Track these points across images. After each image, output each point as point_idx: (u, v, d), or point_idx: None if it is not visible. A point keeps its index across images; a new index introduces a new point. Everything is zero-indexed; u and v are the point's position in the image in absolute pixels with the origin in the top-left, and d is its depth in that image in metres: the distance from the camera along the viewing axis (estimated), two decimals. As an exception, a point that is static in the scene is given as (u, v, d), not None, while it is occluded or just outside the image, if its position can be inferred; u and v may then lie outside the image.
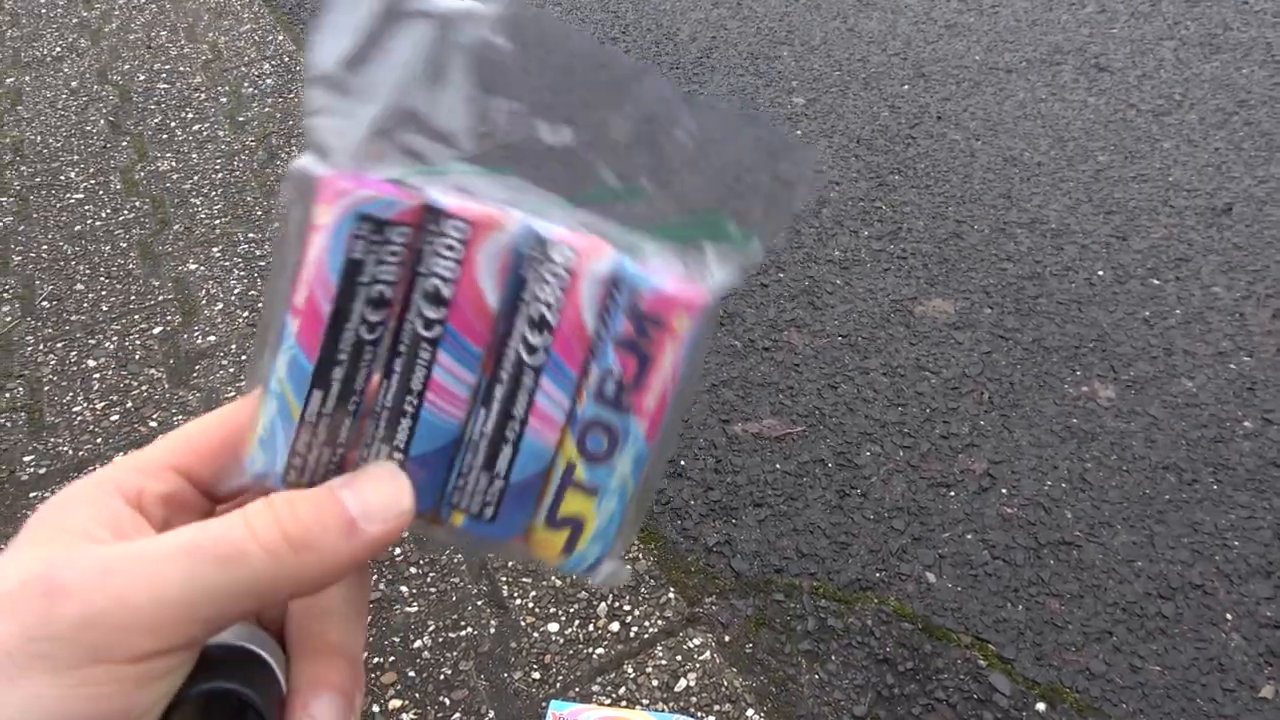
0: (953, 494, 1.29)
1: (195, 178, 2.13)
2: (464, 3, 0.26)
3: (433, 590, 1.23)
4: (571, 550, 0.28)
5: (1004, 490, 1.29)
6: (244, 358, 1.64)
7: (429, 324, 0.27)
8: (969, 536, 1.23)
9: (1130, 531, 1.22)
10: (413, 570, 1.26)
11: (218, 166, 2.17)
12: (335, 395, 0.26)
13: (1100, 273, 1.64)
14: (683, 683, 1.11)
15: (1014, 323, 1.56)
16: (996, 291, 1.62)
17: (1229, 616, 1.12)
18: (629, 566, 1.24)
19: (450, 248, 0.27)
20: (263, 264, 1.86)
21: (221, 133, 2.29)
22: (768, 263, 1.73)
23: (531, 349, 0.27)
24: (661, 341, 0.27)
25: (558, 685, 1.11)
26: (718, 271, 0.28)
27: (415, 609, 1.21)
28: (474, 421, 0.27)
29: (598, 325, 0.27)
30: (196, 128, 2.29)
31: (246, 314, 1.74)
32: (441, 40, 0.26)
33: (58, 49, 2.61)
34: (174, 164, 2.18)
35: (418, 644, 1.17)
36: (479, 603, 1.22)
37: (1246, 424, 1.35)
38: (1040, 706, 1.05)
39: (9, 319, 1.76)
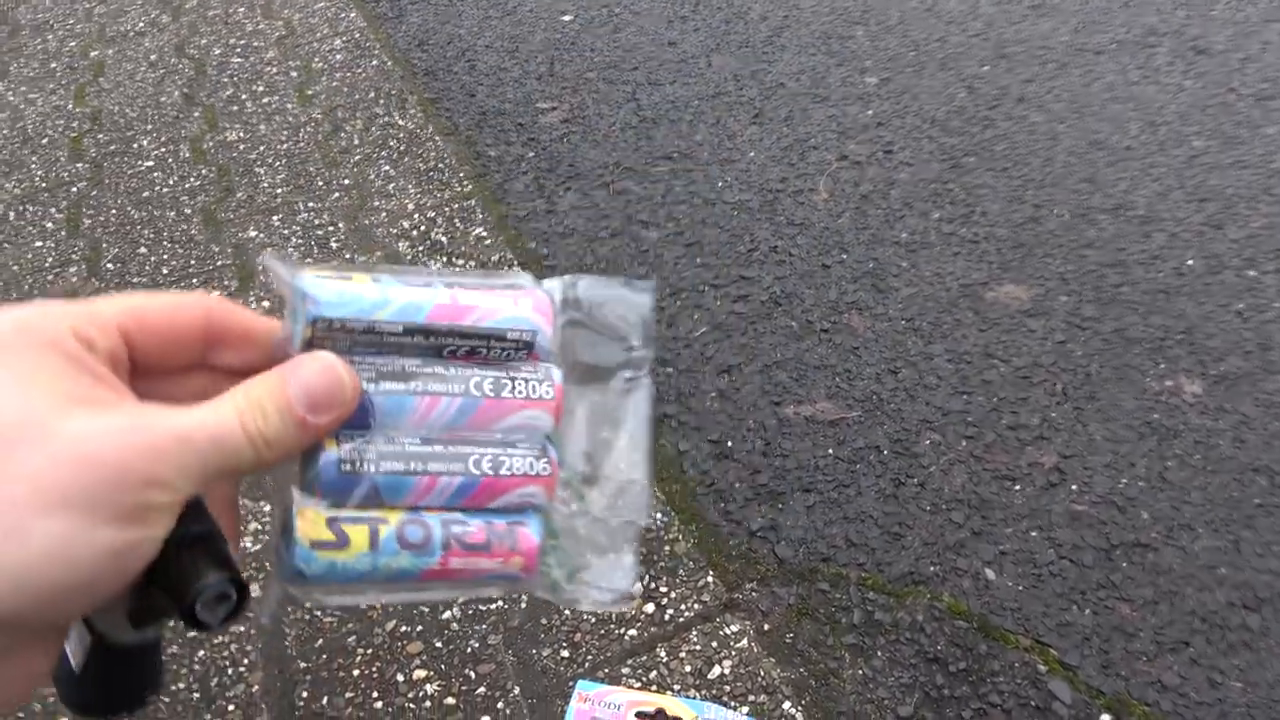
0: (1018, 488, 1.21)
1: (261, 148, 2.15)
2: None
3: (466, 561, 1.20)
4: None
5: (1074, 486, 1.20)
6: (295, 324, 1.63)
7: None
8: (1034, 534, 1.15)
9: (1213, 536, 1.12)
10: (447, 540, 1.23)
11: (284, 138, 2.18)
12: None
13: (1190, 262, 1.53)
14: (717, 670, 1.05)
15: (1093, 311, 1.45)
16: (1075, 279, 1.52)
17: (1324, 633, 1.02)
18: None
19: None
20: (320, 233, 1.86)
21: (290, 105, 2.31)
22: (830, 243, 1.66)
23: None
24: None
25: (586, 665, 1.07)
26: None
27: (447, 579, 1.18)
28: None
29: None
30: (266, 100, 2.31)
31: (301, 281, 1.74)
32: None
33: (140, 24, 2.67)
34: (242, 134, 2.20)
35: (446, 615, 1.14)
36: (512, 576, 1.18)
37: (1351, 427, 1.23)
38: (1105, 719, 0.97)
39: (75, 279, 1.79)
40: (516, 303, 0.33)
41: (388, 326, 0.31)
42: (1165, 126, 1.84)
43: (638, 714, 1.02)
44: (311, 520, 0.30)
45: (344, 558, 0.30)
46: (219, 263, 1.81)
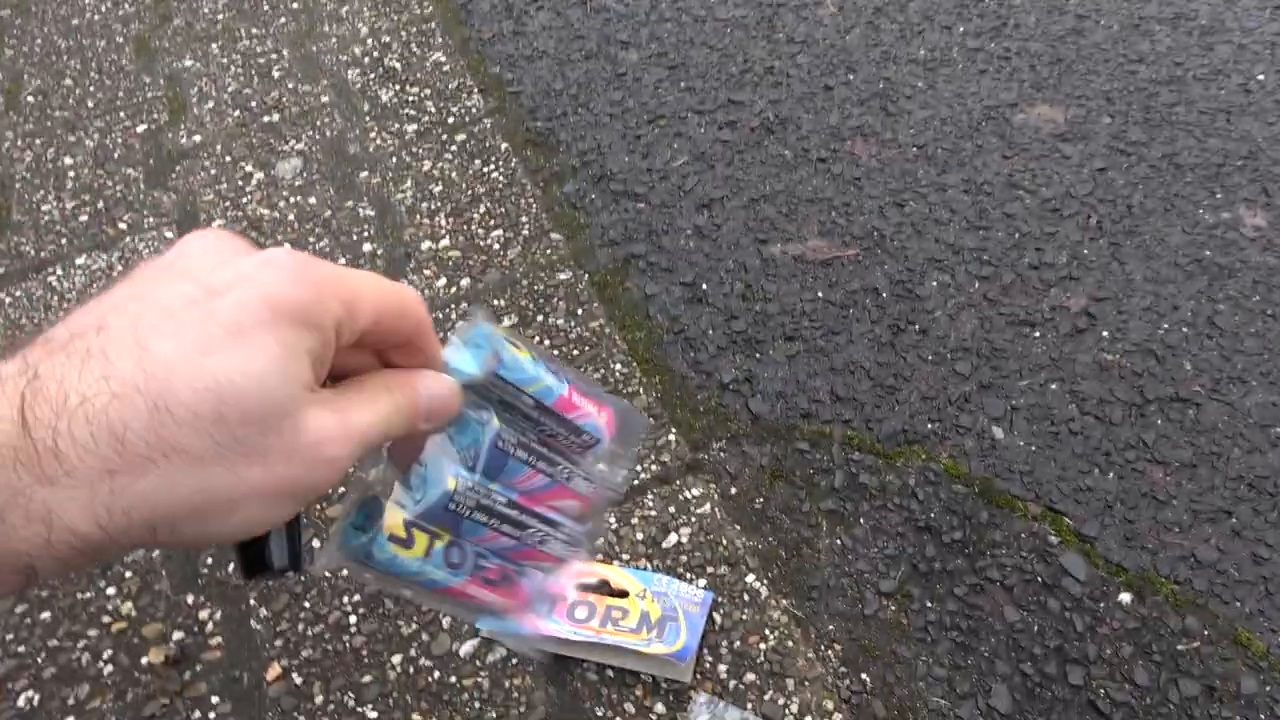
0: (1038, 334, 1.03)
1: (203, -30, 1.91)
2: None
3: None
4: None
5: (1105, 333, 1.02)
6: (228, 159, 1.45)
7: None
8: (1054, 386, 0.98)
9: (1269, 390, 0.94)
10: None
11: (228, -42, 1.94)
12: None
13: (1260, 77, 1.29)
14: (673, 538, 0.91)
15: (1140, 135, 1.23)
16: (1121, 98, 1.29)
17: (1398, 501, 0.85)
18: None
19: None
20: (261, 61, 1.65)
21: (237, -77, 2.06)
22: (835, 62, 1.43)
23: None
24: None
25: (524, 532, 0.93)
26: None
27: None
28: None
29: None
30: (210, -84, 2.06)
31: (237, 113, 1.54)
32: None
33: None
34: (182, -45, 1.96)
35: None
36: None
37: None
38: (1124, 598, 0.81)
39: (-10, 113, 1.61)
40: (599, 413, 0.42)
41: (528, 400, 0.38)
42: (1240, -76, 1.56)
43: (581, 585, 0.88)
44: (396, 519, 0.35)
45: (405, 555, 0.35)
46: (149, 94, 1.61)
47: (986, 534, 0.87)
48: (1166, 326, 1.01)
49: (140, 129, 1.54)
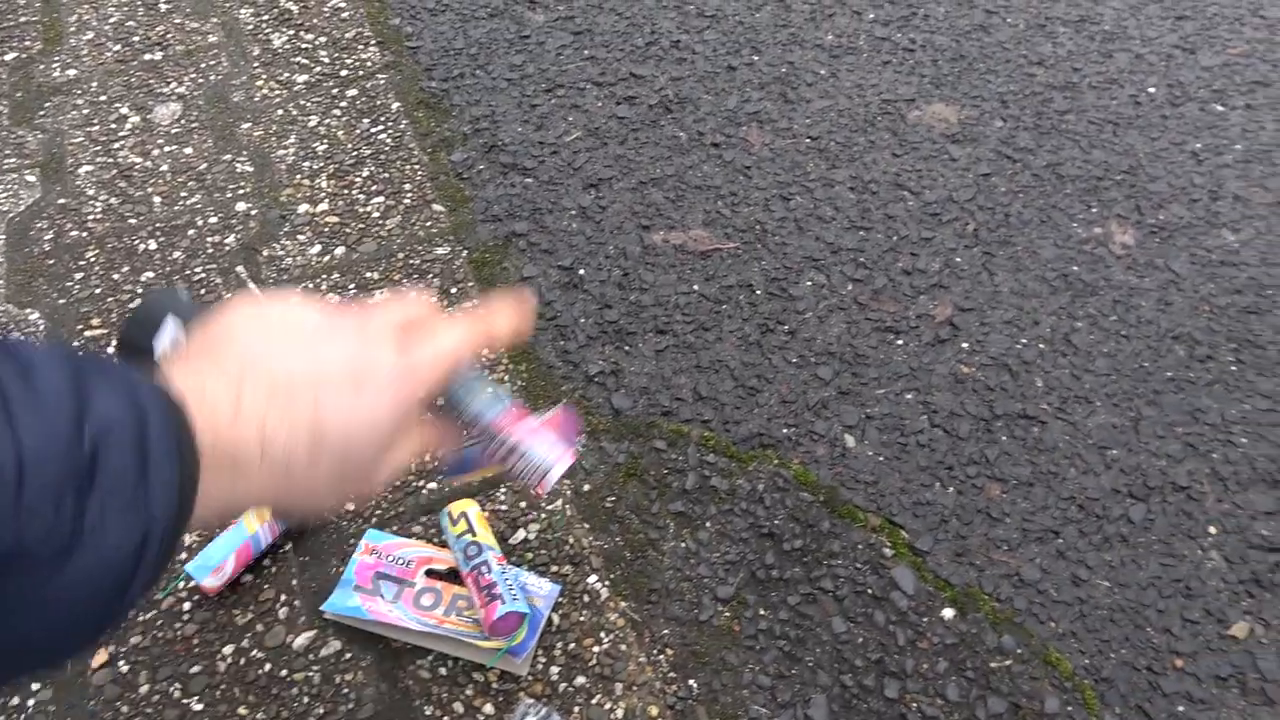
0: (900, 342, 1.04)
1: (94, -117, 1.79)
2: None
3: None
4: None
5: (965, 345, 1.03)
6: (103, 98, 1.37)
7: None
8: (909, 396, 0.99)
9: (1112, 411, 0.97)
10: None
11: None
12: None
13: (1152, 90, 1.31)
14: (521, 534, 0.91)
15: (1028, 141, 1.24)
16: (1016, 101, 1.30)
17: (1212, 530, 0.88)
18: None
19: None
20: (148, -9, 1.55)
21: None
22: (742, 41, 1.40)
23: None
24: None
25: (373, 520, 0.92)
26: None
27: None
28: None
29: None
30: None
31: (118, 48, 1.46)
32: None
33: None
34: None
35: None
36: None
37: (1293, 294, 1.06)
38: (947, 613, 0.84)
39: None
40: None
41: (485, 425, 0.52)
42: (1155, -75, 1.56)
43: (428, 571, 0.88)
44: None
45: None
46: (21, 19, 1.51)
47: (825, 544, 0.89)
48: (1025, 341, 1.03)
49: (9, 57, 1.45)
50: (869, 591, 0.86)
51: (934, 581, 0.86)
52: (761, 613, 0.85)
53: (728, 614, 0.85)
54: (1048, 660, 0.81)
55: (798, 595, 0.86)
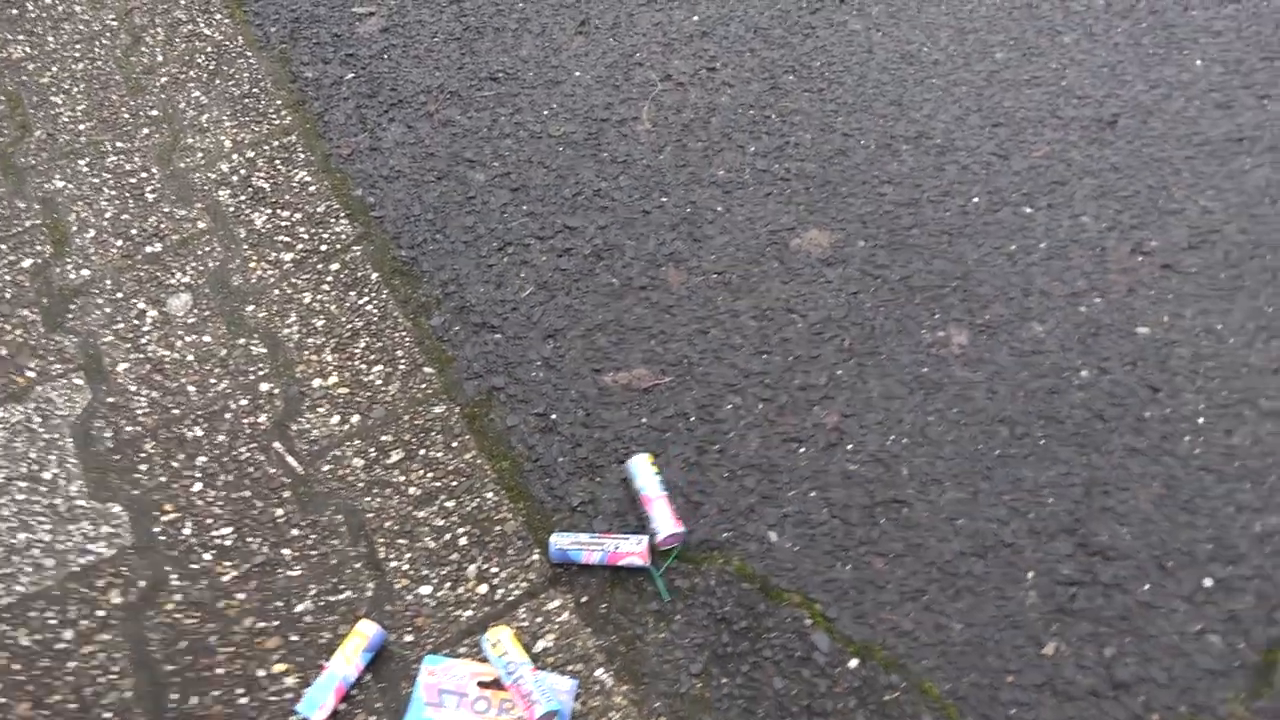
0: (803, 450, 1.38)
1: (54, 68, 1.99)
2: None
3: (314, 553, 1.32)
4: None
5: (850, 446, 1.38)
6: (119, 295, 1.62)
7: None
8: (812, 494, 1.33)
9: (958, 488, 1.33)
10: (294, 532, 1.34)
11: (77, 53, 2.02)
12: None
13: (975, 199, 1.66)
14: (542, 643, 1.23)
15: (885, 258, 1.59)
16: (873, 221, 1.64)
17: (1030, 574, 1.25)
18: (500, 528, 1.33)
19: None
20: (133, 180, 1.79)
21: (78, 8, 2.12)
22: (651, 185, 1.71)
23: None
24: None
25: (428, 647, 1.23)
26: None
27: (297, 572, 1.30)
28: None
29: None
30: (49, 1, 2.11)
31: (120, 243, 1.70)
32: None
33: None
34: (28, 49, 2.03)
35: (299, 608, 1.27)
36: (357, 565, 1.31)
37: (1083, 373, 1.43)
38: (853, 663, 1.19)
39: None
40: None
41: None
42: (973, 35, 1.91)
43: (479, 683, 1.19)
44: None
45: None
46: (27, 223, 1.74)
47: (763, 621, 1.23)
48: (893, 438, 1.38)
49: (26, 264, 1.68)
50: (796, 654, 1.20)
51: (841, 640, 1.21)
52: (724, 681, 1.19)
53: (700, 685, 1.19)
54: (923, 689, 1.17)
55: (748, 664, 1.20)
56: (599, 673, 1.20)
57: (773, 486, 1.35)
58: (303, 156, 1.81)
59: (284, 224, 1.72)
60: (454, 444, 1.42)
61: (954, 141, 1.74)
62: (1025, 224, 1.62)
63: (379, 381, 1.50)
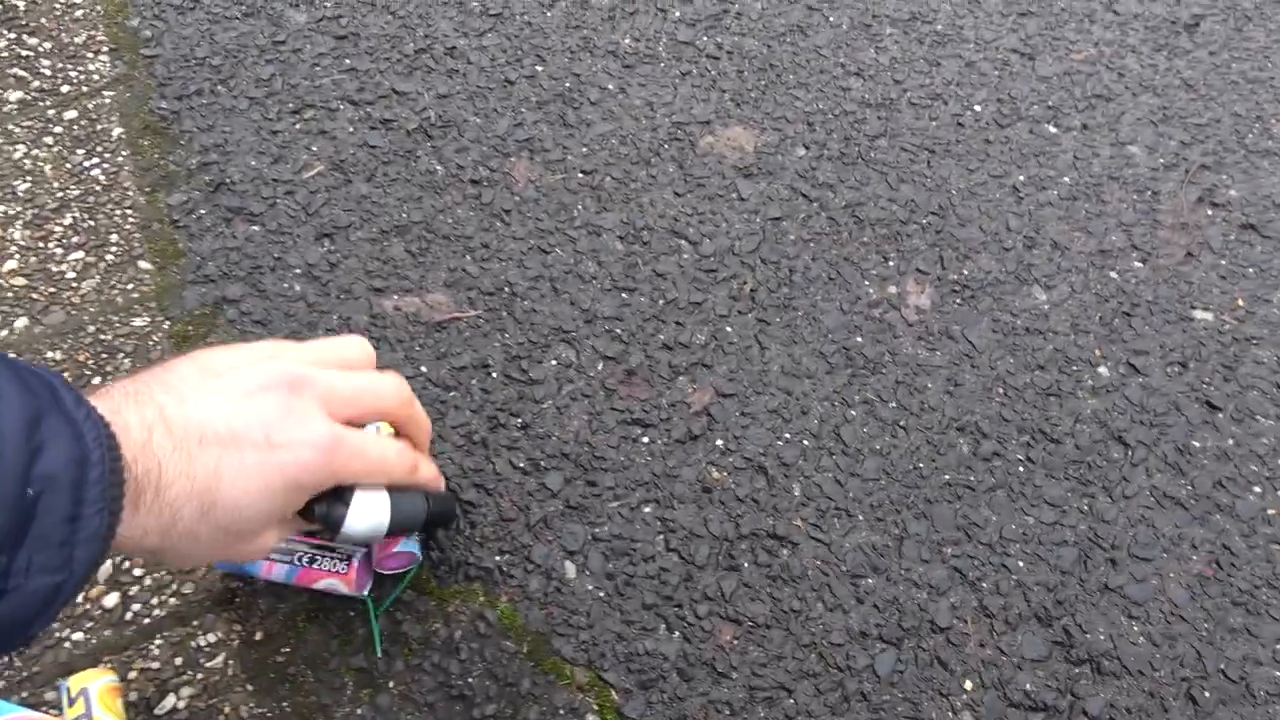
0: (647, 439, 0.90)
1: None
2: None
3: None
4: None
5: (719, 441, 0.89)
6: None
7: None
8: (647, 509, 0.85)
9: (874, 527, 0.84)
10: None
11: None
12: None
13: (978, 107, 1.15)
14: (171, 700, 0.77)
15: (830, 174, 1.09)
16: (824, 123, 1.14)
17: (968, 685, 0.76)
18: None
19: None
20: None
21: None
22: (524, 48, 1.22)
23: None
24: None
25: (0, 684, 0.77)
26: None
27: None
28: None
29: None
30: None
31: None
32: None
33: None
34: None
35: None
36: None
37: (1101, 370, 0.93)
38: (647, 801, 0.72)
39: None
40: (340, 574, 0.76)
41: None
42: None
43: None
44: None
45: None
46: None
47: (522, 709, 0.76)
48: (788, 436, 0.90)
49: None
50: (561, 772, 0.73)
51: (637, 757, 0.74)
52: (433, 803, 0.72)
53: (395, 804, 0.72)
54: None
55: (479, 778, 0.73)
56: (241, 762, 0.74)
57: (589, 491, 0.87)
58: (77, -27, 1.34)
59: (25, 53, 1.25)
60: (143, 374, 0.95)
61: (961, 29, 1.23)
62: (1045, 147, 1.11)
63: (71, 274, 1.04)
